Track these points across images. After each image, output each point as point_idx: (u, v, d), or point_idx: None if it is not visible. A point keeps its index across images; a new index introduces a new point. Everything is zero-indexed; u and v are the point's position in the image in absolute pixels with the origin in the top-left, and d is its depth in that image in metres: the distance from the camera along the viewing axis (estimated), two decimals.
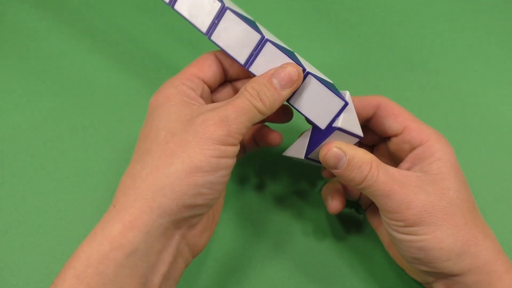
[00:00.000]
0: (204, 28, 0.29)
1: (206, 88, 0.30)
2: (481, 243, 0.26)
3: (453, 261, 0.26)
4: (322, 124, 0.28)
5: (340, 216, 0.35)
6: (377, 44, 0.44)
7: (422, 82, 0.42)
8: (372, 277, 0.33)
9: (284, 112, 0.32)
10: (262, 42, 0.28)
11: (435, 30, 0.45)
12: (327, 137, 0.28)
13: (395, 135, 0.30)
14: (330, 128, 0.28)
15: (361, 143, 0.35)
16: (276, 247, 0.34)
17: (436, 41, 0.44)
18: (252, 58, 0.28)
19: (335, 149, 0.28)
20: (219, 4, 0.28)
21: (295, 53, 0.30)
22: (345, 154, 0.27)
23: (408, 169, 0.29)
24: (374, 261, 0.33)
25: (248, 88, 0.26)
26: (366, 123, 0.32)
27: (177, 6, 0.29)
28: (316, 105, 0.28)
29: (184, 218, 0.25)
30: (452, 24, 0.45)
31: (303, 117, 0.29)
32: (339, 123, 0.27)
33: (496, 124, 0.40)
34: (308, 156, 0.29)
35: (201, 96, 0.29)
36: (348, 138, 0.29)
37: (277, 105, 0.27)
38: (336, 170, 0.28)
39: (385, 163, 0.32)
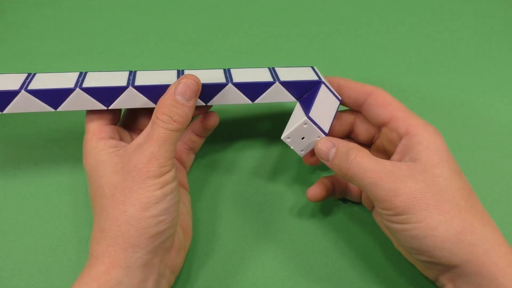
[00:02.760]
0: (71, 84, 0.29)
1: (119, 129, 0.32)
2: (478, 232, 0.26)
3: (449, 250, 0.26)
4: (315, 77, 0.32)
5: (340, 216, 0.35)
6: (375, 43, 0.44)
7: (421, 82, 0.42)
8: (372, 276, 0.33)
9: (208, 116, 0.34)
10: (132, 73, 0.31)
11: (434, 30, 0.45)
12: (317, 92, 0.31)
13: (383, 124, 0.31)
14: (317, 85, 0.32)
15: (358, 142, 0.35)
16: (276, 247, 0.34)
17: (435, 40, 0.44)
18: (132, 78, 0.30)
19: (326, 141, 0.30)
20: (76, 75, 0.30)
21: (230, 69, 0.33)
22: (334, 145, 0.29)
23: (399, 160, 0.29)
24: (375, 260, 0.33)
25: (159, 116, 0.28)
26: (359, 110, 0.33)
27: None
28: (296, 74, 0.32)
29: (157, 245, 0.28)
30: (451, 24, 0.45)
31: (291, 95, 0.32)
32: (322, 79, 0.32)
33: (496, 125, 0.40)
34: (309, 115, 0.30)
35: (121, 137, 0.32)
36: (332, 98, 0.32)
37: (190, 117, 0.29)
38: (328, 162, 0.30)
39: (381, 158, 0.33)
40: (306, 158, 0.33)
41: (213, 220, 0.35)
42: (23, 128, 0.39)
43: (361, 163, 0.28)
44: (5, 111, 0.29)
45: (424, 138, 0.28)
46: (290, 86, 0.31)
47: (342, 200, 0.36)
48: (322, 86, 0.31)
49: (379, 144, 0.33)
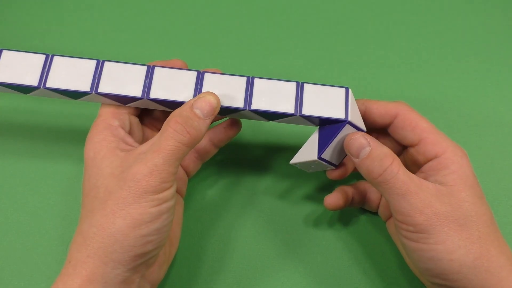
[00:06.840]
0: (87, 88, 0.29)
1: (133, 119, 0.30)
2: (494, 259, 0.26)
3: (465, 275, 0.25)
4: (341, 115, 0.29)
5: (342, 216, 0.35)
6: (375, 43, 0.44)
7: (422, 82, 0.42)
8: (372, 277, 0.33)
9: (232, 125, 0.33)
10: (150, 69, 0.29)
11: (434, 30, 0.45)
12: (339, 132, 0.29)
13: (411, 146, 0.30)
14: (341, 123, 0.29)
15: None
16: (276, 247, 0.34)
17: (435, 41, 0.44)
18: (147, 87, 0.29)
19: (360, 137, 0.28)
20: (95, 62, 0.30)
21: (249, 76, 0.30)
22: (369, 144, 0.28)
23: (424, 179, 0.28)
24: (375, 261, 0.34)
25: (171, 124, 0.26)
26: (386, 129, 0.32)
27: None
28: (324, 103, 0.30)
29: (140, 263, 0.26)
30: (451, 24, 0.45)
31: (312, 123, 0.30)
32: (348, 117, 0.29)
33: (496, 125, 0.40)
34: (321, 156, 0.29)
35: (130, 130, 0.30)
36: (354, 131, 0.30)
37: (203, 133, 0.27)
38: (356, 159, 0.28)
39: None
40: (330, 172, 0.32)
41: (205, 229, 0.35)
42: (23, 127, 0.39)
43: (394, 172, 0.27)
44: (30, 94, 0.30)
45: (452, 162, 0.28)
46: (311, 119, 0.30)
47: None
48: (346, 125, 0.29)
49: (402, 160, 0.32)
